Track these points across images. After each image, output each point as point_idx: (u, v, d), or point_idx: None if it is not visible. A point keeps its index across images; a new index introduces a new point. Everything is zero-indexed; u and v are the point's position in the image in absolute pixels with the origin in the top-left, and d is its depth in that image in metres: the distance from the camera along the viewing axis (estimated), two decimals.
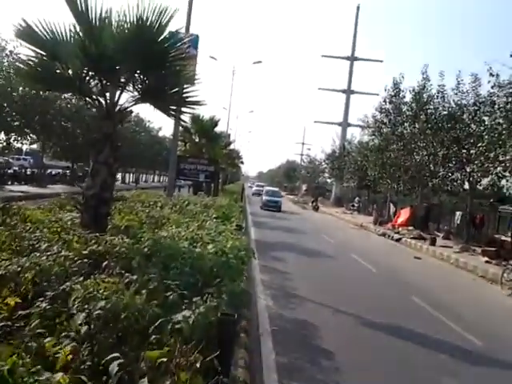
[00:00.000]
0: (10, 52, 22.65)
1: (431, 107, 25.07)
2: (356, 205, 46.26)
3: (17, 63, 18.34)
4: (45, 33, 7.59)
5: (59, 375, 2.54)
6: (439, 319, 9.06)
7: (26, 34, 7.69)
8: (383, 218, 31.91)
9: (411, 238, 23.21)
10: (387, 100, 28.81)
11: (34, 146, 36.20)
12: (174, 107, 9.31)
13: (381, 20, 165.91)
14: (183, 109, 9.44)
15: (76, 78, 8.01)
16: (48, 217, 8.36)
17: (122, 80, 8.28)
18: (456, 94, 23.09)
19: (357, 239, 23.77)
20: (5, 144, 27.58)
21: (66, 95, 26.07)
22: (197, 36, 18.83)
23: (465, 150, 22.41)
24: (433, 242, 21.16)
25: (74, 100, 27.38)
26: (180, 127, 19.61)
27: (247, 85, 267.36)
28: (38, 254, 5.12)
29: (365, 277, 13.10)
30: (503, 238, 18.98)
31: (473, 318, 9.78)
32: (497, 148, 19.89)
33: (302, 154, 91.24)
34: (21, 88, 23.73)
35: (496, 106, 20.21)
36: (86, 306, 3.63)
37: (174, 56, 8.27)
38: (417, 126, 26.17)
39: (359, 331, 7.80)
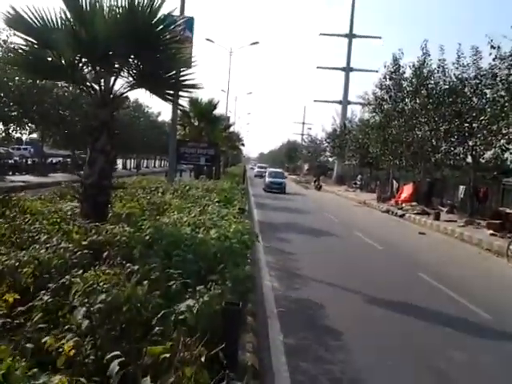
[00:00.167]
0: (4, 41, 22.27)
1: (432, 82, 24.83)
2: (358, 182, 46.16)
3: (9, 53, 18.13)
4: (35, 20, 7.43)
5: (57, 378, 2.46)
6: (446, 293, 9.05)
7: (16, 21, 7.55)
8: (386, 194, 31.80)
9: (415, 214, 23.16)
10: (387, 76, 28.52)
11: (34, 136, 35.96)
12: (171, 91, 9.14)
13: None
14: (180, 92, 9.26)
15: (69, 66, 7.83)
16: (48, 207, 8.31)
17: (116, 66, 8.10)
18: (457, 67, 22.77)
19: (360, 217, 23.71)
20: (4, 134, 27.46)
21: (62, 83, 25.81)
22: (192, 18, 18.59)
23: (467, 124, 22.19)
24: (437, 217, 21.09)
25: (71, 88, 27.07)
26: (179, 111, 19.41)
27: (245, 66, 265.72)
28: (37, 247, 5.06)
29: (370, 254, 13.08)
30: (508, 210, 18.87)
31: (479, 291, 9.77)
32: (499, 121, 19.67)
33: (302, 134, 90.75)
34: (17, 78, 23.45)
35: (498, 79, 19.92)
36: (87, 300, 3.55)
37: (168, 39, 8.11)
38: (418, 101, 25.98)
39: (365, 307, 7.83)
